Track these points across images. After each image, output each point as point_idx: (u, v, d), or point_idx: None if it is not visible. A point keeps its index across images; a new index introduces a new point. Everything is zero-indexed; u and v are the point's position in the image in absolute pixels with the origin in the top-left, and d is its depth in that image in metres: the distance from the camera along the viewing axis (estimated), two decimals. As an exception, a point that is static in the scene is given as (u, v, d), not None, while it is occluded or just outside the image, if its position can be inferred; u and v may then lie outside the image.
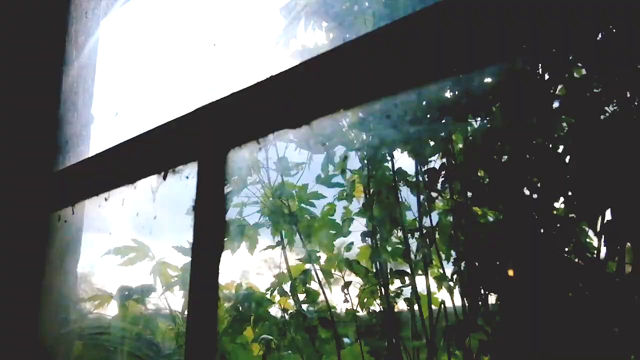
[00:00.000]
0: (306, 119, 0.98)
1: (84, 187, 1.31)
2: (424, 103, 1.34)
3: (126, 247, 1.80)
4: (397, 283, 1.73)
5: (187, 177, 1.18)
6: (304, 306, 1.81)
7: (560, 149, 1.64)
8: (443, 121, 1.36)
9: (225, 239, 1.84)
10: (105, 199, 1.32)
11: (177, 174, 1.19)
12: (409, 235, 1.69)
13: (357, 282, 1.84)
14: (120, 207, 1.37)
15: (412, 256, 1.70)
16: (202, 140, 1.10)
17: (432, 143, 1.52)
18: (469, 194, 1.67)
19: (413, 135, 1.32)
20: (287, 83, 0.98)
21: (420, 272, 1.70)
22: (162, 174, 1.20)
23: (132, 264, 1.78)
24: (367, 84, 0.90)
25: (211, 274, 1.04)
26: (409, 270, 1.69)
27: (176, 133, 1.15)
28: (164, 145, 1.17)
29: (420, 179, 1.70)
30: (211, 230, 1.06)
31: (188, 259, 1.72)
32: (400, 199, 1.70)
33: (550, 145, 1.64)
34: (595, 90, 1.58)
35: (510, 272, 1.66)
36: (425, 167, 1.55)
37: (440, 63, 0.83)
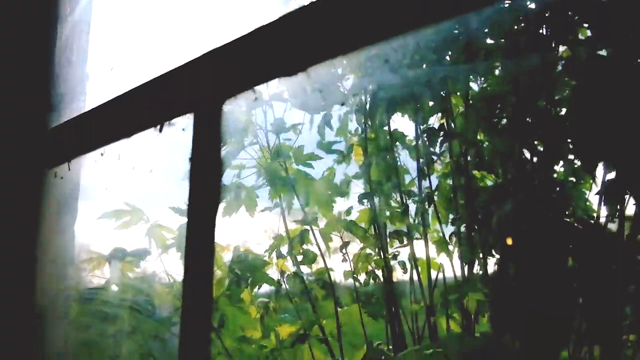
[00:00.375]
0: (302, 65, 0.96)
1: (80, 143, 1.30)
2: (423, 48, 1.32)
3: (120, 211, 1.79)
4: (395, 246, 1.72)
5: (183, 130, 1.17)
6: (304, 270, 1.81)
7: (563, 112, 1.63)
8: (442, 77, 1.34)
9: (224, 200, 1.83)
10: (102, 154, 1.31)
11: (172, 126, 1.18)
12: (407, 197, 1.68)
13: (356, 246, 1.84)
14: (115, 163, 1.36)
15: (411, 220, 1.70)
16: (198, 90, 1.09)
17: (431, 104, 1.50)
18: (469, 157, 1.66)
19: (411, 82, 1.30)
20: (282, 29, 0.96)
21: (419, 235, 1.70)
22: (158, 127, 1.19)
23: (127, 227, 1.78)
24: (363, 27, 0.88)
25: (208, 226, 1.04)
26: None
27: (171, 84, 1.14)
28: (159, 97, 1.16)
29: (420, 142, 1.69)
30: (208, 181, 1.05)
31: (184, 220, 1.71)
32: (398, 162, 1.69)
33: (552, 108, 1.62)
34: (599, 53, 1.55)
35: (509, 241, 1.65)
36: (425, 126, 1.54)
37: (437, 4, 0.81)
